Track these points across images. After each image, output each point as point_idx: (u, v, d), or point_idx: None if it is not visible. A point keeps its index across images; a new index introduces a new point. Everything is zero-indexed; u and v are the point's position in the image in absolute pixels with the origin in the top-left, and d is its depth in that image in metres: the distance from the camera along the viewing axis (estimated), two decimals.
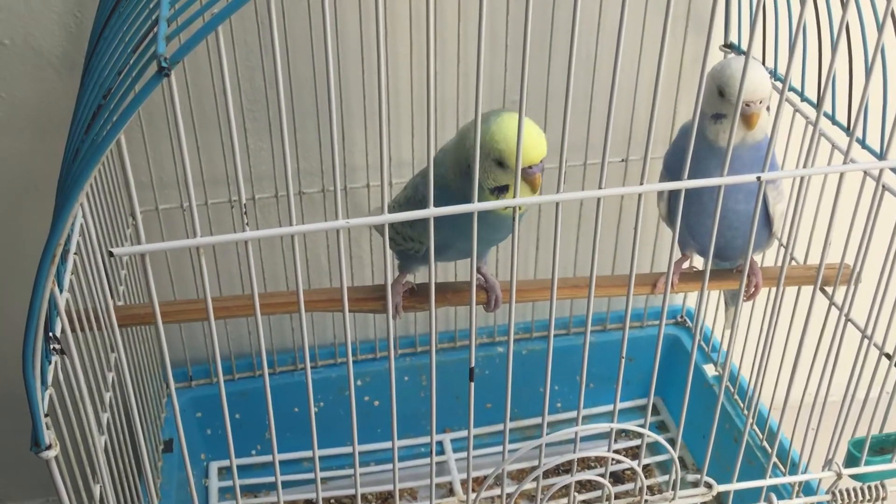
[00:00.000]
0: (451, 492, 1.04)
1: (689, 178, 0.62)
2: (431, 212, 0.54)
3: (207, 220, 0.94)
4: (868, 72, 0.60)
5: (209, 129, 0.91)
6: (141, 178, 0.93)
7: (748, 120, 0.69)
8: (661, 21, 0.52)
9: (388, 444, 1.04)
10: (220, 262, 0.96)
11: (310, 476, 1.01)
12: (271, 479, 0.98)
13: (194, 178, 0.91)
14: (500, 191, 0.63)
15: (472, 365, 0.61)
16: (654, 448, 1.09)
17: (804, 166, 0.61)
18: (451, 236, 0.66)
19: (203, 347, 1.03)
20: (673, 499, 0.72)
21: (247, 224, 0.52)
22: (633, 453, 1.07)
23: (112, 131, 0.47)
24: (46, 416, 0.54)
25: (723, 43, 0.97)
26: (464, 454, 1.05)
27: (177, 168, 0.92)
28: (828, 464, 0.77)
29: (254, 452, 1.05)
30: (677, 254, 0.83)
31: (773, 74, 0.90)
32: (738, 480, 0.77)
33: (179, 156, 0.51)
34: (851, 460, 0.77)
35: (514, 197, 0.57)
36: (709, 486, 0.73)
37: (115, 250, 0.50)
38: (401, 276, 0.75)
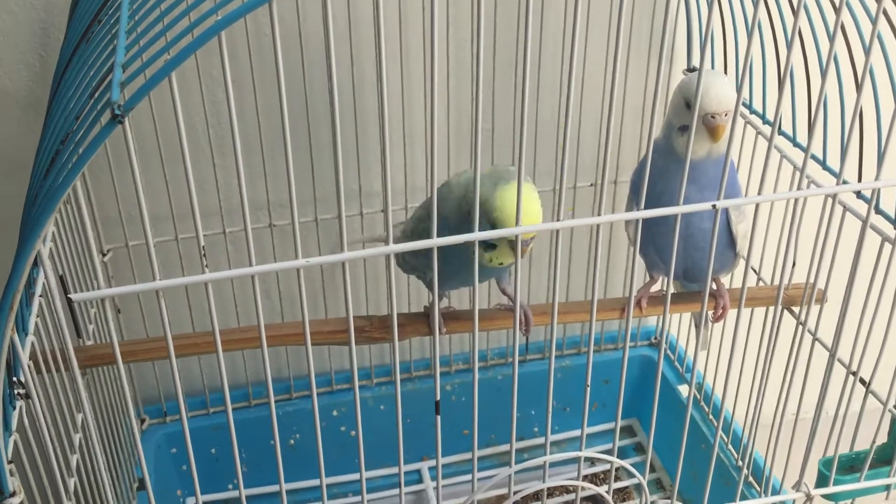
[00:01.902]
0: None
1: (657, 193, 0.62)
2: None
3: (178, 254, 0.94)
4: (822, 85, 0.61)
5: (177, 163, 0.91)
6: (109, 213, 0.93)
7: (714, 132, 0.70)
8: (627, 48, 0.53)
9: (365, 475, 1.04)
10: (191, 297, 0.96)
11: None
12: None
13: (163, 213, 0.93)
14: (489, 247, 0.66)
15: (438, 398, 0.61)
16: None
17: (762, 190, 0.62)
18: (450, 270, 0.69)
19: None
20: None
21: (206, 266, 0.52)
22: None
23: (68, 177, 0.47)
24: (10, 462, 0.53)
25: (686, 67, 0.98)
26: (441, 482, 1.05)
27: (144, 204, 0.92)
28: (798, 484, 0.78)
29: (230, 487, 1.04)
30: (648, 277, 0.83)
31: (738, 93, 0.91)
32: (714, 500, 0.77)
33: (143, 197, 0.51)
34: (822, 479, 0.78)
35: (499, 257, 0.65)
36: None
37: (74, 296, 0.50)
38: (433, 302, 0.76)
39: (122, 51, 0.51)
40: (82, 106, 0.52)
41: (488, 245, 0.66)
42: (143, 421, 1.01)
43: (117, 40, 0.53)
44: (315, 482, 1.03)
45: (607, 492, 0.70)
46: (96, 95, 0.50)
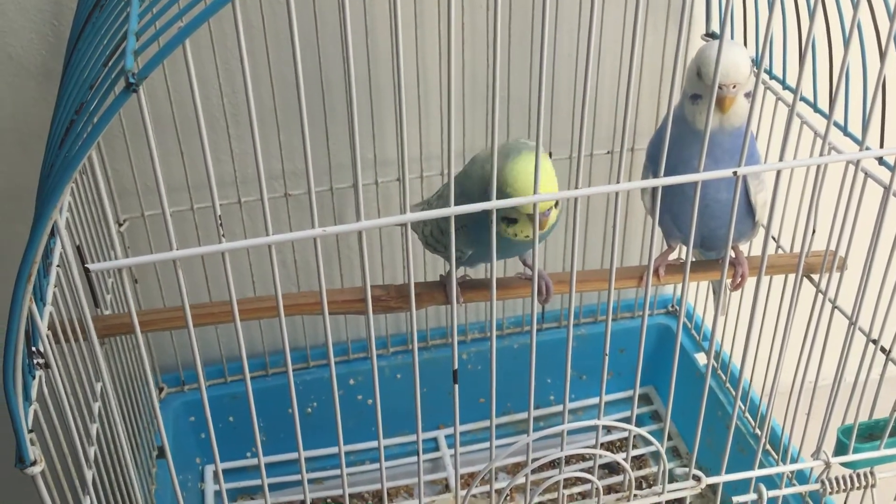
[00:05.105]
0: (446, 488, 1.05)
1: (672, 164, 0.61)
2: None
3: (194, 225, 0.94)
4: (845, 52, 0.60)
5: (192, 132, 0.91)
6: (125, 184, 0.93)
7: (720, 103, 0.69)
8: (643, 14, 0.52)
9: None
10: (207, 267, 0.96)
11: (307, 476, 1.01)
12: (267, 480, 0.99)
13: (179, 183, 0.92)
14: (510, 221, 0.66)
15: (456, 367, 0.61)
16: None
17: (783, 157, 0.61)
18: (478, 251, 0.70)
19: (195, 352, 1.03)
20: (662, 492, 0.72)
21: (223, 236, 0.52)
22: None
23: (83, 147, 0.47)
24: (31, 431, 0.54)
25: (704, 32, 0.97)
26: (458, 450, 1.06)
27: (160, 174, 0.92)
28: (817, 452, 0.77)
29: (248, 455, 1.05)
30: (665, 246, 0.83)
31: (757, 64, 0.90)
32: (731, 468, 0.76)
33: (158, 166, 0.51)
34: (840, 448, 0.77)
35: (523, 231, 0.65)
36: (697, 479, 0.73)
37: (91, 266, 0.50)
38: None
39: (135, 19, 0.51)
40: (96, 75, 0.51)
41: (509, 220, 0.66)
42: (161, 390, 1.02)
43: (130, 8, 0.52)
44: (331, 450, 1.04)
45: (625, 459, 0.70)
46: (110, 64, 0.49)
